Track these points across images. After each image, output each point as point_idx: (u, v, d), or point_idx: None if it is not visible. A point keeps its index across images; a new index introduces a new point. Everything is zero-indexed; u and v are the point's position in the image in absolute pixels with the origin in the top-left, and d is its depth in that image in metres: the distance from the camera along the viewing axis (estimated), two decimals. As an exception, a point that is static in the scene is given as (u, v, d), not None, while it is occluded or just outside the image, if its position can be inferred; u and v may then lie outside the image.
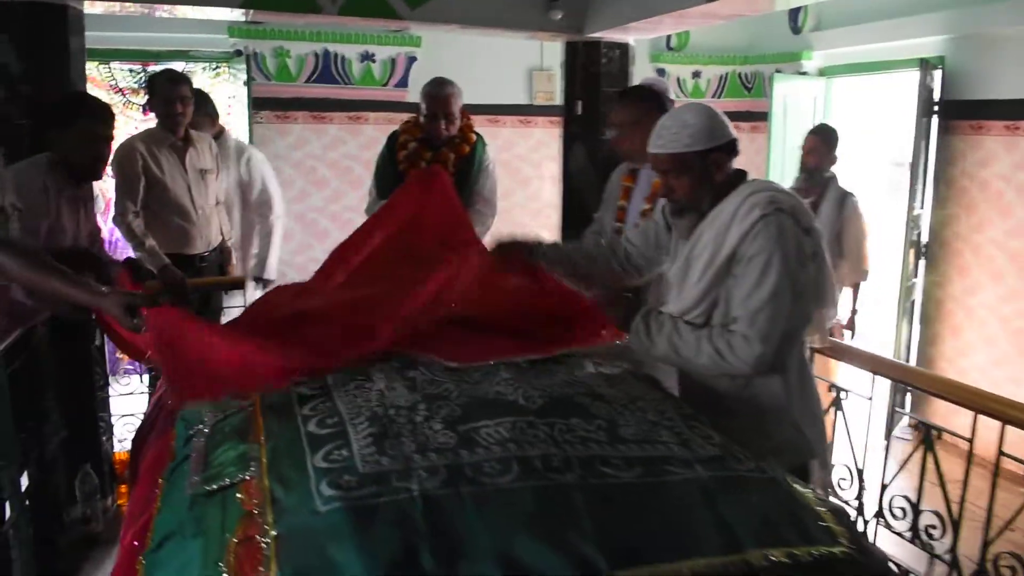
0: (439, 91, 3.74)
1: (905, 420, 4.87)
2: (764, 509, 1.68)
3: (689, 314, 2.32)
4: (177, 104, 4.01)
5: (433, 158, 3.78)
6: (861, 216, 4.54)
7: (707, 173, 2.28)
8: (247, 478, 1.71)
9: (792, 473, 1.93)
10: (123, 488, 3.85)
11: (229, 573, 1.44)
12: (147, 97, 4.03)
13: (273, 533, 1.47)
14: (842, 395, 3.04)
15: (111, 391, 4.11)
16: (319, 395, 2.03)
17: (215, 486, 1.73)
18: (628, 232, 2.74)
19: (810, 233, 2.24)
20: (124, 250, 4.81)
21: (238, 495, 1.67)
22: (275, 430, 1.87)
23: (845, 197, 4.50)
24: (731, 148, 2.30)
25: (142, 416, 3.77)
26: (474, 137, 3.93)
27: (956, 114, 5.22)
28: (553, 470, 1.66)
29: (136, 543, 1.83)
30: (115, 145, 3.58)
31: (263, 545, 1.46)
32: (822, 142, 4.61)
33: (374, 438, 1.74)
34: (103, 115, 3.21)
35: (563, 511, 1.55)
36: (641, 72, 5.59)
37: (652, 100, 3.17)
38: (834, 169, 4.62)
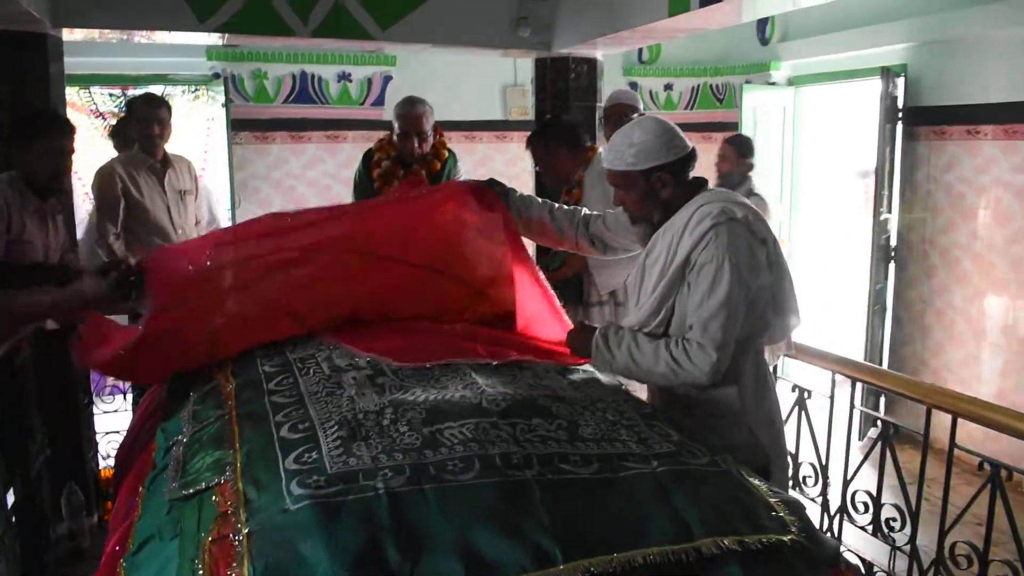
0: (410, 111, 3.82)
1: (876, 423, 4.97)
2: (716, 500, 1.77)
3: (647, 325, 2.39)
4: (155, 126, 4.11)
5: (406, 175, 3.87)
6: (767, 213, 4.83)
7: (652, 190, 2.34)
8: (222, 481, 1.79)
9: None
10: (109, 504, 3.91)
11: (204, 571, 1.52)
12: (124, 120, 4.09)
13: (245, 531, 1.55)
14: (805, 395, 3.14)
15: (95, 409, 4.17)
16: (292, 403, 2.11)
17: (192, 490, 1.81)
18: (608, 212, 2.81)
19: (765, 243, 2.31)
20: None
21: (214, 498, 1.74)
22: (249, 436, 1.95)
23: (750, 197, 4.64)
24: (680, 165, 2.34)
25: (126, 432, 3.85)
26: (446, 153, 4.01)
27: (919, 120, 5.35)
28: (513, 467, 1.74)
29: (117, 548, 1.90)
30: (82, 160, 3.67)
31: (235, 543, 1.54)
32: (734, 150, 5.09)
33: (343, 440, 1.82)
34: (61, 128, 3.30)
35: (521, 505, 1.63)
36: (613, 85, 5.70)
37: (557, 139, 3.84)
38: (752, 175, 5.12)
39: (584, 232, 2.85)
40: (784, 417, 2.72)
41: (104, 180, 4.13)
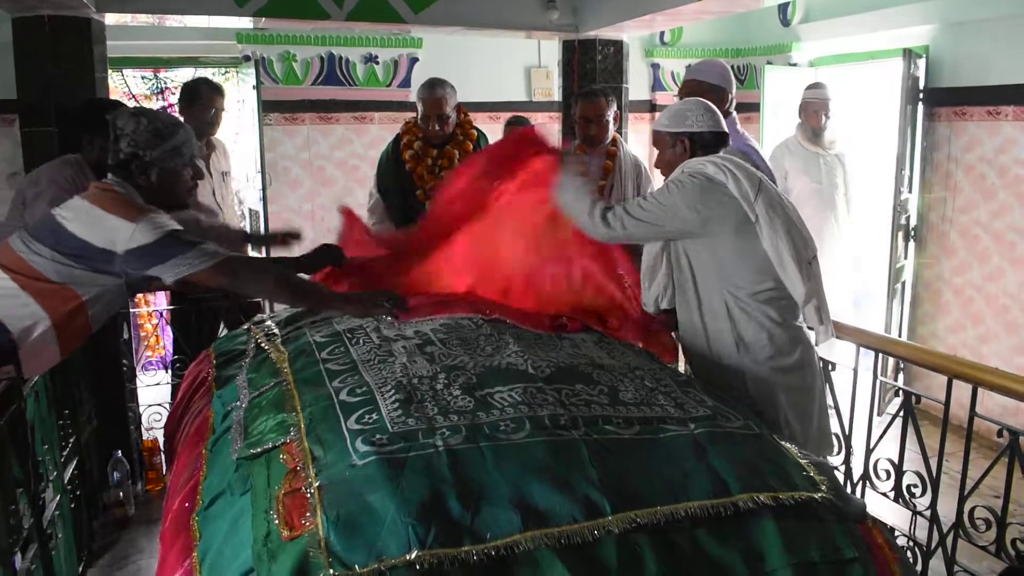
0: (431, 94, 3.85)
1: (897, 397, 5.06)
2: (751, 460, 1.88)
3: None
4: (216, 111, 4.26)
5: (438, 155, 3.94)
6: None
7: (676, 153, 2.74)
8: (288, 441, 1.91)
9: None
10: (151, 474, 4.06)
11: (279, 520, 1.64)
12: (182, 101, 4.22)
13: (316, 484, 1.67)
14: (830, 367, 3.23)
15: (138, 383, 4.32)
16: (347, 370, 2.23)
17: (259, 449, 1.94)
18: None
19: (751, 200, 2.55)
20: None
21: (281, 456, 1.87)
22: (309, 400, 2.07)
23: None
24: (702, 138, 2.70)
25: (167, 405, 3.99)
26: (475, 133, 4.05)
27: (940, 101, 5.40)
28: (561, 427, 1.86)
29: (187, 504, 2.03)
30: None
31: (308, 495, 1.66)
32: None
33: (400, 403, 1.94)
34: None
35: (571, 462, 1.75)
36: (635, 67, 5.78)
37: (609, 97, 4.04)
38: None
39: None
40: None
41: None
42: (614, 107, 4.02)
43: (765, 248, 2.54)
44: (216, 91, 4.26)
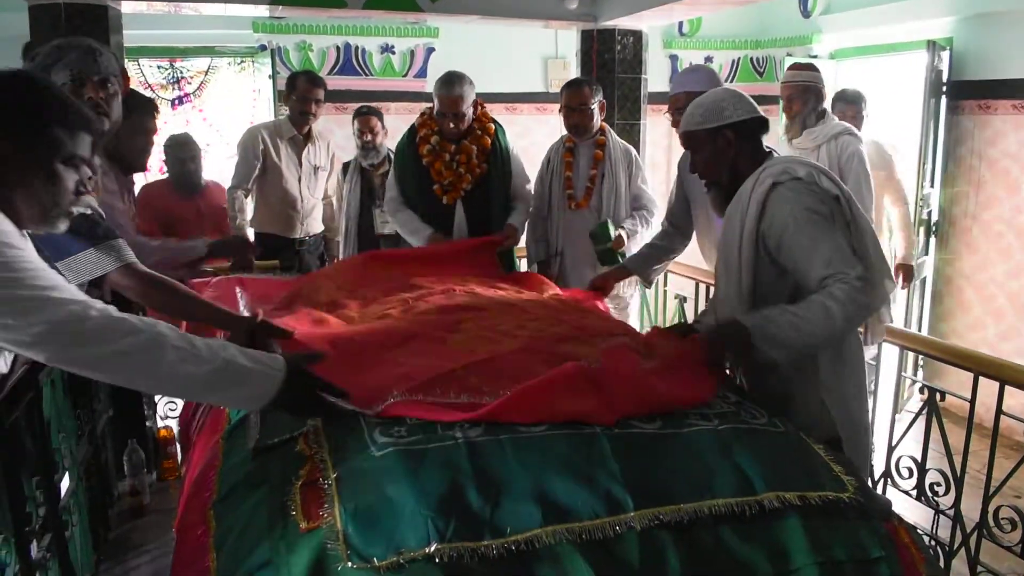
0: (448, 92, 3.76)
1: (917, 395, 5.01)
2: (776, 458, 1.85)
3: (744, 292, 2.34)
4: (312, 104, 4.41)
5: (456, 151, 3.86)
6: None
7: (718, 150, 2.39)
8: (305, 431, 1.89)
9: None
10: (167, 464, 4.05)
11: (296, 511, 1.62)
12: (285, 92, 4.46)
13: (334, 476, 1.65)
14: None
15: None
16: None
17: (276, 440, 1.91)
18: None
19: (838, 200, 2.26)
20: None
21: (297, 447, 1.84)
22: (326, 392, 2.05)
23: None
24: (745, 127, 2.38)
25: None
26: (492, 127, 3.96)
27: (964, 94, 5.34)
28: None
29: (204, 495, 2.01)
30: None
31: (325, 487, 1.64)
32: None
33: (418, 396, 1.92)
34: (149, 109, 3.41)
35: (592, 456, 1.72)
36: (654, 58, 5.73)
37: (594, 87, 3.97)
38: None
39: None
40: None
41: (247, 141, 4.47)
42: (599, 96, 3.96)
43: (857, 245, 2.27)
44: (313, 84, 4.35)
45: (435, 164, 3.85)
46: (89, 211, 2.29)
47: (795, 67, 4.30)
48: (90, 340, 1.60)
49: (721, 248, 2.46)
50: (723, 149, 2.39)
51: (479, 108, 3.94)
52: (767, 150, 2.44)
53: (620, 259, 3.68)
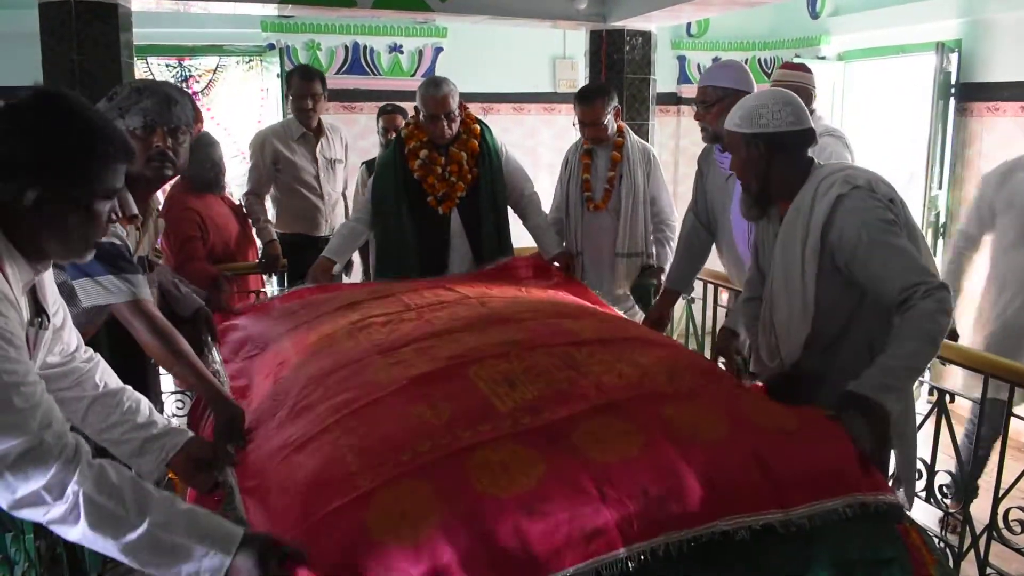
0: (436, 92, 3.60)
1: (925, 396, 4.98)
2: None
3: (808, 310, 2.25)
4: (308, 99, 4.35)
5: (447, 161, 3.70)
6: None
7: (751, 157, 2.30)
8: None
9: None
10: (174, 461, 4.04)
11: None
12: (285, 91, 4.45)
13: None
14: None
15: (161, 370, 4.31)
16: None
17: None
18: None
19: (893, 202, 2.20)
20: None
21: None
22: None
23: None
24: (782, 139, 2.26)
25: (191, 394, 3.98)
26: (478, 128, 3.80)
27: (972, 96, 5.32)
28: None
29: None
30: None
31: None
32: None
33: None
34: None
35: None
36: (662, 59, 5.72)
37: (608, 95, 3.96)
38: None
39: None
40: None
41: (256, 147, 4.44)
42: (614, 103, 3.92)
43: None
44: (306, 78, 4.34)
45: (428, 178, 3.69)
46: (118, 241, 2.26)
47: (786, 67, 4.21)
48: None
49: (779, 268, 2.34)
50: (754, 158, 2.30)
51: (463, 110, 3.77)
52: (808, 158, 2.33)
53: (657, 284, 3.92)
